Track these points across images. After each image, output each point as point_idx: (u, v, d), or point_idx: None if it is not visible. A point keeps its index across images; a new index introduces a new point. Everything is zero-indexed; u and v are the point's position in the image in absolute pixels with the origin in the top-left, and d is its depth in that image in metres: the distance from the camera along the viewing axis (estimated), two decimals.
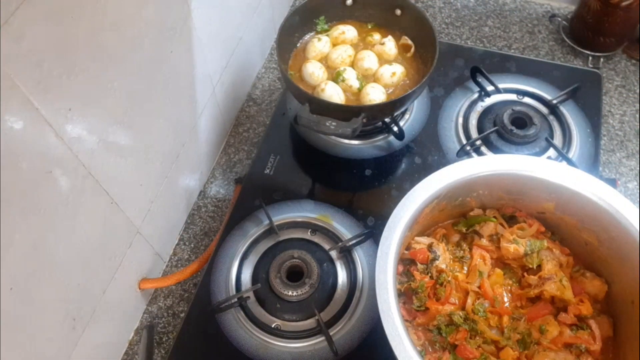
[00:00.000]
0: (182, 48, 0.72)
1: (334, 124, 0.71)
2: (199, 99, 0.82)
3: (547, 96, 0.90)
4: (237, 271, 0.75)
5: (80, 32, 0.51)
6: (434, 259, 0.62)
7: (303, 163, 0.87)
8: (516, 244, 0.62)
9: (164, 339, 0.78)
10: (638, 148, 0.95)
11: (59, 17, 0.48)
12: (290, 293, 0.70)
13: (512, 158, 0.62)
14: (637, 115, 0.98)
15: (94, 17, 0.52)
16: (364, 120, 0.73)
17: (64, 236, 0.56)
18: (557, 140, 0.86)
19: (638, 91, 1.02)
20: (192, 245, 0.87)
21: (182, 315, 0.79)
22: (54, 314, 0.58)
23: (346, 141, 0.86)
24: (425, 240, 0.64)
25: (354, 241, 0.74)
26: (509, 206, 0.66)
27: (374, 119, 0.78)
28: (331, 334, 0.68)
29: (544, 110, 0.89)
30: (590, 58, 1.04)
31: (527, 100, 0.90)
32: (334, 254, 0.75)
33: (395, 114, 0.85)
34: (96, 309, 0.66)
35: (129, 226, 0.70)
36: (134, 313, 0.79)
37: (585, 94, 0.91)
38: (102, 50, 0.55)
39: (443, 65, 0.94)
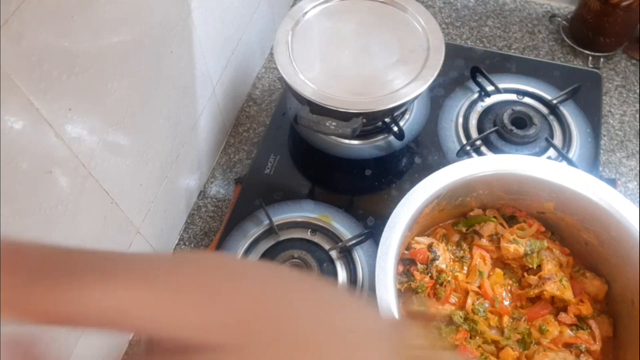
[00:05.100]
0: (182, 48, 0.72)
1: (334, 124, 0.71)
2: (199, 99, 0.82)
3: (547, 96, 0.90)
4: None
5: (80, 32, 0.51)
6: (434, 259, 0.62)
7: (303, 163, 0.87)
8: (516, 244, 0.62)
9: None
10: (638, 148, 0.95)
11: (59, 17, 0.48)
12: None
13: (512, 158, 0.62)
14: (637, 115, 0.98)
15: (94, 17, 0.52)
16: (364, 120, 0.74)
17: (64, 236, 0.56)
18: (557, 140, 0.86)
19: (638, 91, 1.02)
20: (192, 246, 0.87)
21: None
22: None
23: (346, 141, 0.86)
24: (425, 240, 0.64)
25: (354, 241, 0.74)
26: (509, 206, 0.66)
27: (374, 119, 0.78)
28: None
29: (544, 110, 0.89)
30: (590, 58, 1.04)
31: (527, 100, 0.90)
32: (334, 254, 0.75)
33: (395, 114, 0.85)
34: None
35: (129, 226, 0.70)
36: None
37: (585, 94, 0.91)
38: (102, 51, 0.55)
39: (443, 65, 0.94)
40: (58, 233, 0.55)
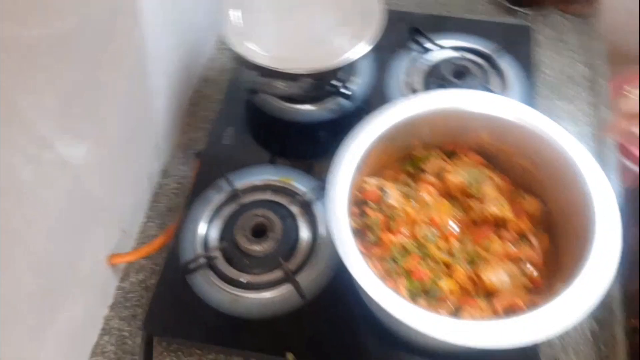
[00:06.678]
0: (129, 26, 0.74)
1: (283, 84, 0.75)
2: (152, 78, 0.84)
3: (484, 50, 0.96)
4: (205, 235, 0.77)
5: (23, 14, 0.52)
6: (385, 197, 0.67)
7: (260, 131, 0.90)
8: (458, 175, 0.67)
9: (138, 312, 0.80)
10: (572, 93, 1.02)
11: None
12: (255, 248, 0.74)
13: (450, 93, 0.67)
14: (569, 63, 1.05)
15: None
16: (312, 81, 0.78)
17: (31, 212, 0.58)
18: (496, 89, 0.91)
19: (570, 42, 1.09)
20: (159, 222, 0.89)
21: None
22: (26, 283, 0.60)
23: (300, 106, 0.90)
24: (375, 181, 0.68)
25: (311, 195, 0.78)
26: (450, 143, 0.71)
27: (322, 80, 0.82)
28: (298, 280, 0.72)
29: (482, 63, 0.95)
30: (525, 15, 1.10)
31: (465, 55, 0.96)
32: (294, 209, 0.78)
33: (343, 77, 0.89)
34: (67, 281, 0.68)
35: (92, 200, 0.72)
36: (107, 289, 0.80)
37: (520, 46, 0.98)
38: (44, 33, 0.56)
39: (385, 30, 0.98)
40: (25, 209, 0.57)
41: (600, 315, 0.79)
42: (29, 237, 0.59)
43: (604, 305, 0.79)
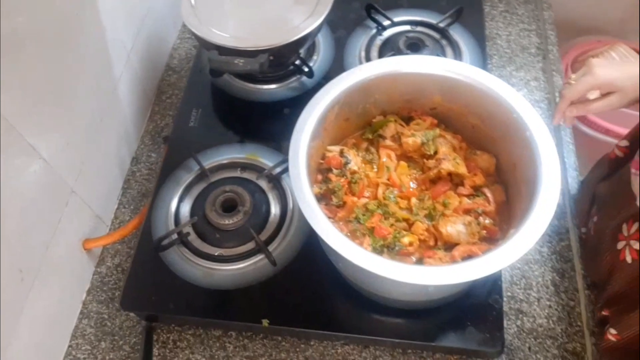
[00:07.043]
0: (88, 12, 0.76)
1: (242, 61, 0.77)
2: (115, 64, 0.86)
3: (438, 23, 0.99)
4: (175, 213, 0.79)
5: None
6: (347, 163, 0.70)
7: (225, 112, 0.92)
8: (414, 137, 0.70)
9: (116, 295, 0.82)
10: (525, 62, 1.06)
11: None
12: (226, 222, 0.76)
13: (400, 59, 0.70)
14: (521, 34, 1.10)
15: None
16: (271, 57, 0.80)
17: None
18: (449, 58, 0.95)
19: (521, 14, 1.14)
20: (132, 207, 0.90)
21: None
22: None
23: (263, 86, 0.93)
24: (336, 148, 0.71)
25: (278, 169, 0.81)
26: (405, 108, 0.74)
27: (281, 56, 0.84)
28: (270, 250, 0.74)
29: (436, 35, 0.99)
30: None
31: (420, 29, 1.00)
32: (263, 183, 0.81)
33: (303, 55, 0.92)
34: (42, 264, 0.69)
35: (62, 185, 0.73)
36: (83, 274, 0.82)
37: (471, 18, 1.02)
38: (13, 31, 0.58)
39: (341, 9, 1.01)
40: None
41: (561, 267, 0.83)
42: (1, 226, 0.60)
43: (564, 258, 0.84)
